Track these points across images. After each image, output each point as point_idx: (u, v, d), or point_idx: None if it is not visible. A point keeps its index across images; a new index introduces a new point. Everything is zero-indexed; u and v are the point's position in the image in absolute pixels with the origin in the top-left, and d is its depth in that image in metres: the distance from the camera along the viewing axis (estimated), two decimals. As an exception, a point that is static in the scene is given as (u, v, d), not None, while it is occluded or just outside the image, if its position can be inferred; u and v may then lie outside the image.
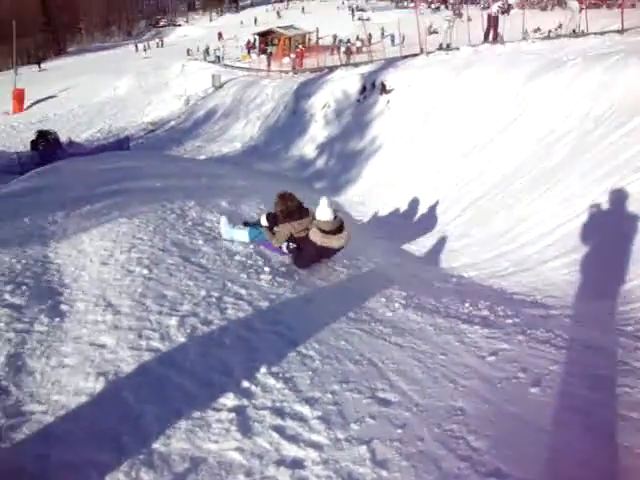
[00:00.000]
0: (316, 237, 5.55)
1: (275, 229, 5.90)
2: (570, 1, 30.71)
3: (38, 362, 3.45)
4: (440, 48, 22.71)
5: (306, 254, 5.70)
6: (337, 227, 5.67)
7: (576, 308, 5.53)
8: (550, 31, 27.73)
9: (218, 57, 47.62)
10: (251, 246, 6.10)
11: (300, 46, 42.50)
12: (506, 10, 22.71)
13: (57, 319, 4.02)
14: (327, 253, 5.83)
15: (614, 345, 4.25)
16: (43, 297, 4.36)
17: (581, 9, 24.12)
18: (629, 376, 3.62)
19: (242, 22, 74.03)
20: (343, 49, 38.19)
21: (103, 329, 3.89)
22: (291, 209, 5.83)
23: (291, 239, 5.80)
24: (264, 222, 6.02)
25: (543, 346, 4.15)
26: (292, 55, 37.89)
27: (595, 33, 16.52)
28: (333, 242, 5.64)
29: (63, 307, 4.23)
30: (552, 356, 3.96)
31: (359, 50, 38.76)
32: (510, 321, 4.80)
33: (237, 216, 7.08)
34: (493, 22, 20.69)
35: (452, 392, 3.41)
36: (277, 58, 41.23)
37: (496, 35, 20.59)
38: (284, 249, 5.89)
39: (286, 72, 34.56)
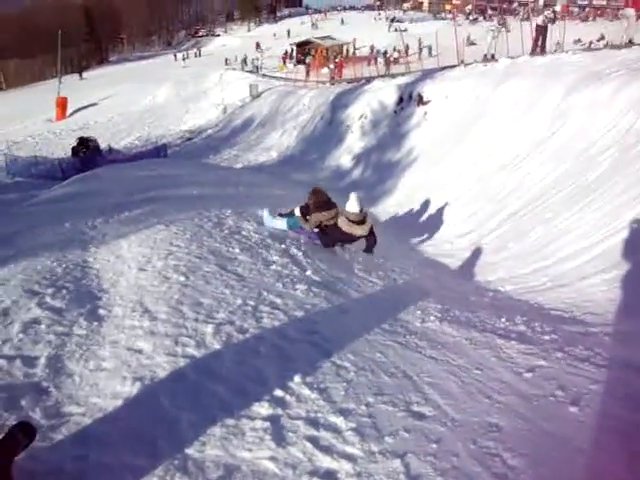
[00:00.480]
0: (343, 224, 6.75)
1: (308, 217, 6.99)
2: (626, 10, 30.01)
3: (77, 365, 3.51)
4: (485, 59, 22.55)
5: (331, 238, 6.94)
6: (361, 219, 6.81)
7: (616, 326, 5.40)
8: (591, 42, 27.42)
9: (257, 67, 47.98)
10: (286, 258, 6.10)
11: (339, 57, 42.61)
12: (553, 20, 21.78)
13: (95, 323, 4.08)
14: (350, 239, 6.96)
15: (656, 364, 4.14)
16: (82, 301, 4.44)
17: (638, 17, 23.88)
18: (672, 397, 3.53)
19: (275, 34, 73.83)
20: (381, 60, 38.29)
21: (140, 334, 3.93)
22: (321, 201, 6.93)
23: (320, 226, 6.95)
24: (297, 213, 7.13)
25: (582, 364, 4.06)
26: (331, 66, 37.95)
27: (640, 44, 16.23)
28: (357, 230, 6.83)
29: (101, 311, 4.30)
30: (591, 375, 3.87)
31: (396, 61, 38.78)
32: (548, 337, 4.72)
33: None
34: (541, 32, 19.95)
35: (488, 408, 3.36)
36: (314, 68, 41.43)
37: (544, 46, 19.93)
38: (314, 233, 7.04)
39: (323, 82, 34.71)
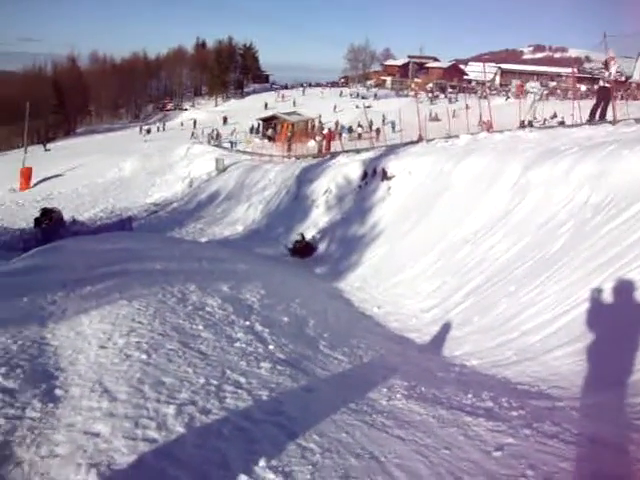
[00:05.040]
0: None
1: None
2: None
3: (27, 451, 3.31)
4: (529, 124, 22.76)
5: None
6: None
7: (583, 400, 5.39)
8: (545, 120, 28.65)
9: (232, 143, 48.50)
10: (250, 335, 6.02)
11: (326, 129, 43.37)
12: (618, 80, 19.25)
13: (51, 404, 3.90)
14: None
15: (625, 440, 4.11)
16: (38, 381, 4.25)
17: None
18: (643, 475, 3.49)
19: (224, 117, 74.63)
20: (346, 135, 39.28)
21: (98, 416, 3.77)
22: None
23: None
24: None
25: (551, 441, 4.01)
26: (318, 138, 38.43)
27: (589, 123, 16.97)
28: None
29: (58, 392, 4.12)
30: (561, 452, 3.82)
31: (360, 136, 39.83)
32: (515, 413, 4.68)
33: (238, 302, 7.04)
34: (604, 95, 16.93)
35: (458, 491, 3.28)
36: (279, 143, 42.19)
37: (605, 112, 16.58)
38: None
39: (288, 157, 35.29)
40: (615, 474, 3.52)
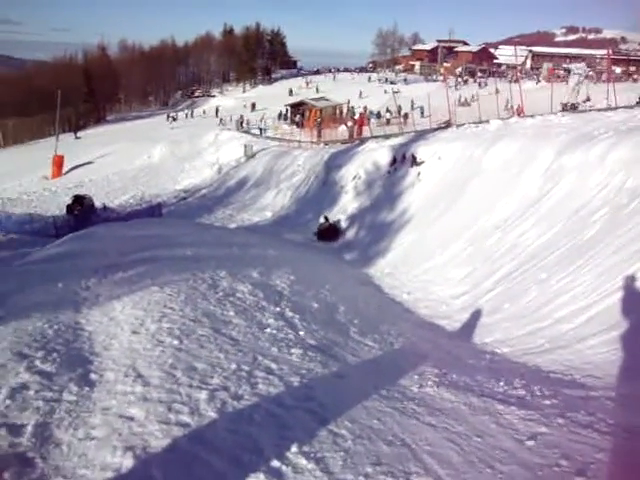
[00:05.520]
0: None
1: None
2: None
3: (65, 433, 3.38)
4: (573, 107, 22.38)
5: None
6: None
7: (618, 390, 5.31)
8: (579, 104, 28.17)
9: (261, 129, 48.42)
10: (281, 321, 6.03)
11: (357, 114, 43.03)
12: None
13: (86, 388, 3.98)
14: None
15: (661, 432, 4.05)
16: (73, 365, 4.33)
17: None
18: (679, 466, 3.43)
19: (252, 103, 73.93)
20: (374, 121, 38.96)
21: (132, 400, 3.82)
22: None
23: None
24: None
25: (585, 431, 3.97)
26: (349, 123, 38.18)
27: (625, 107, 16.61)
28: None
29: (93, 376, 4.19)
30: (596, 442, 3.77)
31: (389, 122, 39.49)
32: (548, 402, 4.63)
33: (268, 288, 7.06)
34: None
35: (490, 478, 3.26)
36: (307, 129, 41.98)
37: None
38: None
39: (317, 143, 35.14)
40: (652, 465, 3.47)
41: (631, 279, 7.44)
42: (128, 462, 3.11)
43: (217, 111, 69.82)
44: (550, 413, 4.31)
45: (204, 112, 75.33)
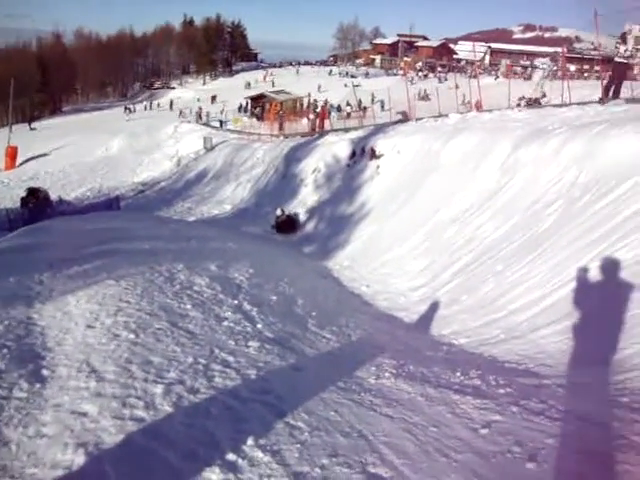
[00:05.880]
0: None
1: None
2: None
3: (15, 432, 3.29)
4: (536, 101, 22.50)
5: None
6: None
7: (569, 377, 5.44)
8: (535, 99, 28.73)
9: (221, 122, 48.08)
10: (239, 314, 6.01)
11: (319, 108, 42.98)
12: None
13: (38, 385, 3.89)
14: None
15: (610, 417, 4.14)
16: (24, 361, 4.23)
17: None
18: (629, 452, 3.49)
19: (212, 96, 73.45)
20: (335, 114, 39.02)
21: (85, 396, 3.75)
22: None
23: None
24: None
25: (537, 418, 4.05)
26: (311, 116, 38.11)
27: (578, 103, 16.92)
28: None
29: (44, 372, 4.10)
30: (547, 429, 3.85)
31: (349, 115, 39.59)
32: (503, 391, 4.71)
33: (226, 281, 7.01)
34: (620, 72, 15.94)
35: (445, 467, 3.30)
36: (268, 121, 41.86)
37: (619, 90, 15.35)
38: None
39: (277, 136, 35.05)
40: (600, 451, 3.55)
41: (583, 270, 7.60)
42: (80, 459, 3.05)
43: (171, 104, 69.13)
44: (504, 402, 4.39)
45: (159, 105, 74.45)
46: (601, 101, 15.24)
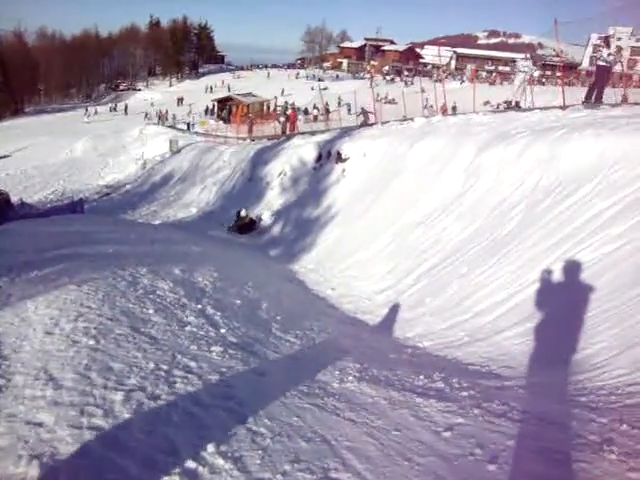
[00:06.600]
0: None
1: None
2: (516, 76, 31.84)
3: (-34, 444, 3.20)
4: (517, 105, 22.94)
5: None
6: None
7: (531, 379, 5.53)
8: (499, 104, 29.13)
9: (188, 124, 47.76)
10: (202, 318, 5.95)
11: (289, 110, 42.89)
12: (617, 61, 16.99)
13: (-9, 394, 3.78)
14: None
15: (569, 417, 4.21)
16: (-22, 370, 4.12)
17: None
18: (585, 450, 3.56)
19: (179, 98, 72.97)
20: (301, 117, 39.03)
21: (42, 405, 3.65)
22: None
23: None
24: None
25: (499, 420, 4.09)
26: (282, 119, 38.08)
27: (540, 108, 17.22)
28: None
29: (-1, 381, 4.00)
30: (508, 430, 3.90)
31: (316, 118, 39.66)
32: (465, 393, 4.75)
33: (190, 285, 6.94)
34: (602, 76, 15.60)
35: (407, 471, 3.30)
36: (234, 124, 41.70)
37: (601, 94, 15.16)
38: None
39: (243, 139, 34.94)
40: (559, 450, 3.60)
41: (546, 272, 7.74)
42: (34, 471, 2.94)
43: (126, 108, 68.31)
44: (467, 404, 4.43)
45: (115, 108, 73.43)
46: (585, 103, 15.21)
